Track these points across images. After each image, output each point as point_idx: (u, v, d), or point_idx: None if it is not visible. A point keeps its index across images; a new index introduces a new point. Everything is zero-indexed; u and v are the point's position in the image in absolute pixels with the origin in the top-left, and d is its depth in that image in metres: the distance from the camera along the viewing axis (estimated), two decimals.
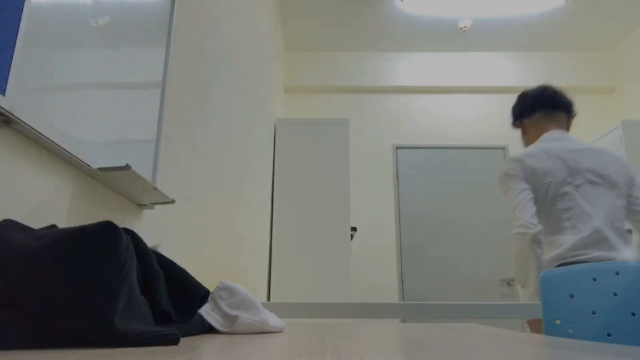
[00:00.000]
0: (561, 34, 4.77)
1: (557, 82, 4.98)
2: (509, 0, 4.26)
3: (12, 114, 0.63)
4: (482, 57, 5.08)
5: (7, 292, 0.51)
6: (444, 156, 4.89)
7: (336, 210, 3.79)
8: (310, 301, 2.96)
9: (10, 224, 0.60)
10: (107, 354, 0.44)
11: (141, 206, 1.15)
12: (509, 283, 4.52)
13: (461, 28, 4.65)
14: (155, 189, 1.02)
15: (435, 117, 5.01)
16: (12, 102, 0.63)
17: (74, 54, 0.80)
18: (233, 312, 0.81)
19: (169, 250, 1.31)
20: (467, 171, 4.83)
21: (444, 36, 4.83)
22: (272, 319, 0.85)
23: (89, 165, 0.84)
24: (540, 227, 1.77)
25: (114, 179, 0.94)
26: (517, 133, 4.94)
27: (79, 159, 0.81)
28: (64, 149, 0.76)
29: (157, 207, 1.24)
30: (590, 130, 4.92)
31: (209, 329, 0.80)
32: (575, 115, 2.00)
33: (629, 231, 2.02)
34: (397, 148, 4.91)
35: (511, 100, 5.03)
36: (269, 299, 3.63)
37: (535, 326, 2.05)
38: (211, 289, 0.84)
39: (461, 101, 5.04)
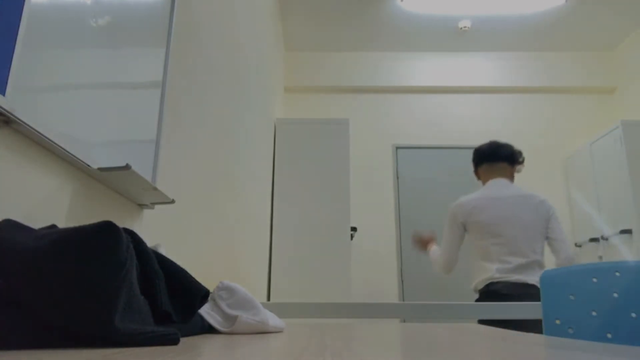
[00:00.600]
0: (561, 34, 4.77)
1: (557, 82, 4.98)
2: (509, 0, 4.26)
3: (12, 114, 0.63)
4: (482, 57, 5.08)
5: (7, 292, 0.51)
6: (444, 156, 4.89)
7: (336, 210, 3.79)
8: (310, 301, 2.96)
9: (10, 224, 0.60)
10: (107, 354, 0.44)
11: (141, 206, 1.15)
12: None
13: (461, 28, 4.65)
14: (155, 189, 1.02)
15: (435, 117, 5.01)
16: (12, 102, 0.63)
17: (74, 54, 0.80)
18: (233, 312, 0.81)
19: (169, 250, 1.31)
20: (467, 171, 4.82)
21: (444, 36, 4.83)
22: (272, 319, 0.85)
23: (89, 165, 0.84)
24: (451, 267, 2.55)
25: (114, 179, 0.94)
26: (517, 133, 4.95)
27: (79, 159, 0.81)
28: (64, 149, 0.76)
29: (157, 207, 1.24)
30: (590, 130, 4.92)
31: (209, 329, 0.80)
32: (520, 162, 2.51)
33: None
34: (397, 148, 4.91)
35: (511, 100, 5.04)
36: (269, 299, 3.63)
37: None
38: (211, 289, 0.84)
39: (461, 101, 5.04)
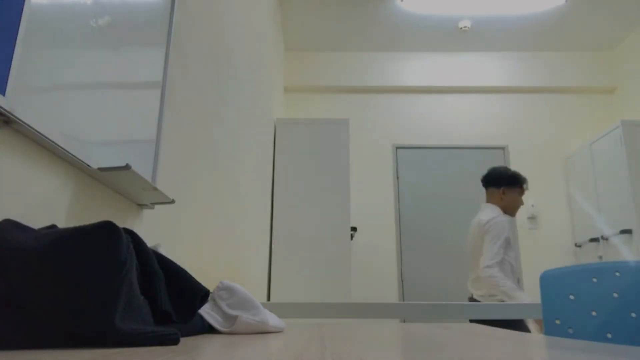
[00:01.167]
0: (561, 34, 4.77)
1: (557, 82, 4.98)
2: (509, 1, 4.26)
3: (12, 114, 0.63)
4: (482, 57, 5.08)
5: (7, 292, 0.51)
6: (444, 156, 4.89)
7: (336, 210, 3.79)
8: (310, 301, 2.96)
9: (10, 224, 0.60)
10: (107, 354, 0.44)
11: (141, 206, 1.15)
12: None
13: (461, 28, 4.65)
14: (155, 189, 1.02)
15: (435, 117, 5.01)
16: (12, 102, 0.63)
17: (74, 54, 0.80)
18: (233, 312, 0.81)
19: (169, 250, 1.31)
20: (467, 171, 4.83)
21: (444, 36, 4.83)
22: (272, 319, 0.85)
23: (89, 165, 0.84)
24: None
25: (114, 179, 0.94)
26: (517, 133, 4.95)
27: (79, 159, 0.81)
28: (64, 149, 0.76)
29: (157, 207, 1.24)
30: (590, 130, 4.92)
31: (209, 329, 0.80)
32: (508, 185, 2.72)
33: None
34: (397, 148, 4.91)
35: (511, 100, 5.04)
36: (269, 299, 3.63)
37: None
38: (211, 289, 0.84)
39: (461, 101, 5.04)
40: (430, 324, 1.16)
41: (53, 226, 0.70)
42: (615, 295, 1.17)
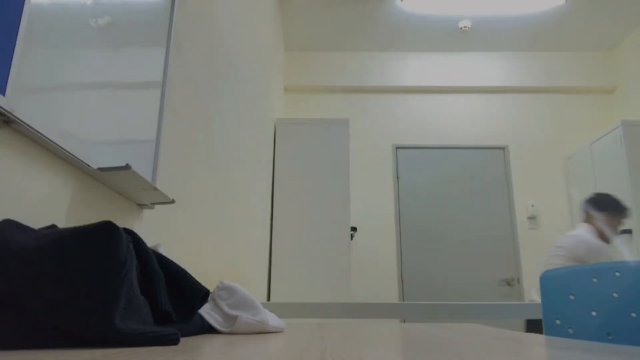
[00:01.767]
0: (561, 34, 4.77)
1: (557, 82, 4.98)
2: (509, 1, 4.26)
3: (12, 114, 0.63)
4: (482, 57, 5.08)
5: (7, 292, 0.51)
6: (444, 156, 4.89)
7: (336, 210, 3.79)
8: (310, 301, 2.96)
9: (10, 224, 0.60)
10: (107, 354, 0.44)
11: (141, 206, 1.15)
12: (509, 283, 4.52)
13: (461, 28, 4.65)
14: (155, 189, 1.02)
15: (435, 117, 5.01)
16: (12, 102, 0.63)
17: (74, 53, 0.80)
18: (233, 312, 0.81)
19: (169, 250, 1.31)
20: (467, 171, 4.83)
21: (444, 36, 4.83)
22: (272, 319, 0.85)
23: (89, 165, 0.84)
24: None
25: (114, 179, 0.94)
26: (517, 133, 4.95)
27: (79, 159, 0.81)
28: (64, 149, 0.76)
29: (157, 207, 1.24)
30: (590, 130, 4.92)
31: (209, 329, 0.80)
32: (610, 211, 2.80)
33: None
34: (397, 148, 4.91)
35: (511, 100, 5.04)
36: (269, 299, 3.63)
37: None
38: (211, 289, 0.84)
39: (461, 101, 5.04)
40: (430, 324, 1.16)
41: (53, 226, 0.70)
42: (615, 295, 1.17)
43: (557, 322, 1.24)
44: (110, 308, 0.51)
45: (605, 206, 2.80)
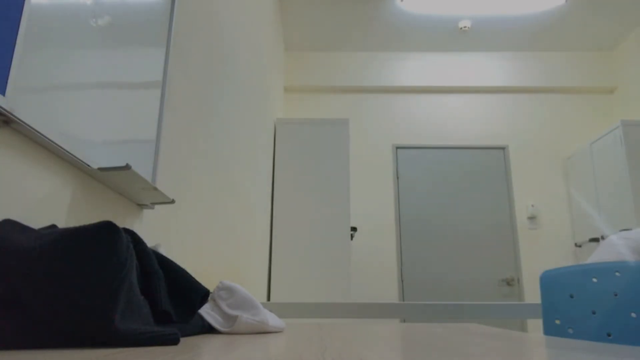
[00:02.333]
0: (561, 34, 4.77)
1: (557, 82, 4.98)
2: (509, 0, 4.26)
3: (12, 114, 0.63)
4: (482, 57, 5.08)
5: (7, 292, 0.51)
6: (444, 156, 4.89)
7: (336, 210, 3.79)
8: (310, 301, 2.96)
9: (10, 224, 0.60)
10: (107, 353, 0.44)
11: (141, 206, 1.15)
12: (509, 283, 4.52)
13: (461, 28, 4.65)
14: (155, 189, 1.02)
15: (435, 117, 5.01)
16: (12, 102, 0.63)
17: (74, 54, 0.80)
18: (233, 312, 0.81)
19: (169, 250, 1.31)
20: (467, 171, 4.83)
21: (444, 36, 4.83)
22: (272, 319, 0.85)
23: (89, 165, 0.84)
24: None
25: (114, 179, 0.94)
26: (517, 133, 4.95)
27: (79, 159, 0.81)
28: (64, 149, 0.76)
29: (157, 207, 1.24)
30: (590, 130, 4.92)
31: (209, 329, 0.80)
32: None
33: None
34: (397, 148, 4.91)
35: (511, 100, 5.04)
36: (269, 299, 3.63)
37: None
38: (211, 289, 0.84)
39: (461, 101, 5.04)
40: (430, 324, 1.16)
41: (53, 226, 0.70)
42: (615, 295, 1.17)
43: (557, 322, 1.24)
44: (110, 308, 0.51)
45: None
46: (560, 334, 1.23)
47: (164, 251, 0.86)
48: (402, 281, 4.54)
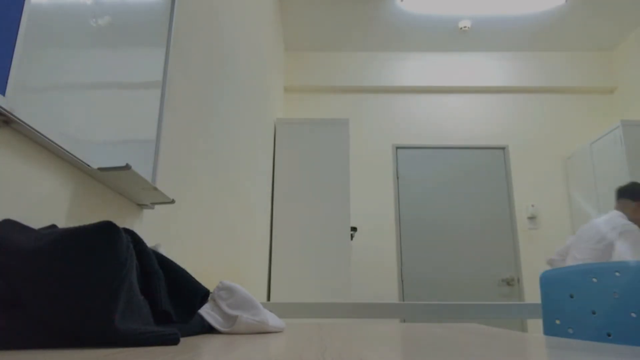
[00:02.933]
0: (561, 34, 4.77)
1: (557, 82, 4.98)
2: (509, 1, 4.26)
3: (12, 114, 0.63)
4: (482, 57, 5.08)
5: (7, 292, 0.51)
6: (444, 156, 4.89)
7: (336, 210, 3.79)
8: (310, 301, 2.96)
9: (10, 224, 0.60)
10: (107, 354, 0.44)
11: (141, 206, 1.15)
12: (508, 283, 4.52)
13: (461, 28, 4.65)
14: (155, 189, 1.02)
15: (435, 117, 5.01)
16: (12, 102, 0.63)
17: (74, 54, 0.80)
18: (233, 312, 0.81)
19: (169, 250, 1.31)
20: (467, 171, 4.83)
21: (444, 36, 4.83)
22: (272, 319, 0.85)
23: (89, 165, 0.84)
24: None
25: (114, 179, 0.94)
26: (517, 133, 4.95)
27: (79, 159, 0.81)
28: (64, 149, 0.76)
29: (157, 207, 1.24)
30: (590, 130, 4.92)
31: (209, 329, 0.80)
32: (636, 199, 2.74)
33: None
34: (397, 148, 4.91)
35: (511, 100, 5.03)
36: (269, 299, 3.63)
37: None
38: (211, 289, 0.84)
39: (461, 101, 5.04)
40: (430, 324, 1.16)
41: (53, 226, 0.70)
42: (615, 295, 1.17)
43: (557, 322, 1.24)
44: (110, 308, 0.51)
45: (637, 195, 2.74)
46: (560, 334, 1.23)
47: (164, 251, 0.86)
48: (402, 281, 4.54)
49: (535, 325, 4.25)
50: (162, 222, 1.30)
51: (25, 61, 0.66)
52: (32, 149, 0.72)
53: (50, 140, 0.72)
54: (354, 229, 4.18)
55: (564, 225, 4.68)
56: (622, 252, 2.57)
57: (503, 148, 4.90)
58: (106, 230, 0.53)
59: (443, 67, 5.06)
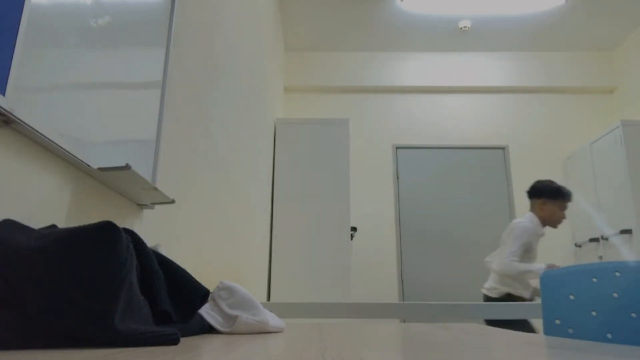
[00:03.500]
0: (561, 34, 4.77)
1: (557, 82, 4.98)
2: (509, 0, 4.26)
3: (12, 114, 0.63)
4: (482, 57, 5.08)
5: (7, 292, 0.51)
6: (444, 156, 4.89)
7: (336, 210, 3.79)
8: (310, 301, 2.96)
9: (10, 224, 0.60)
10: (107, 354, 0.44)
11: (141, 206, 1.15)
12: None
13: (461, 28, 4.65)
14: (155, 189, 1.02)
15: (435, 117, 5.01)
16: (12, 102, 0.63)
17: (74, 54, 0.80)
18: (233, 312, 0.81)
19: (169, 250, 1.31)
20: (467, 171, 4.83)
21: (444, 36, 4.83)
22: (272, 319, 0.85)
23: (89, 165, 0.84)
24: None
25: (114, 179, 0.94)
26: (517, 133, 4.95)
27: (79, 159, 0.81)
28: (64, 149, 0.76)
29: (157, 207, 1.24)
30: (590, 130, 4.92)
31: (209, 329, 0.80)
32: (544, 196, 2.80)
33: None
34: (397, 148, 4.91)
35: (511, 100, 5.03)
36: (269, 299, 3.63)
37: None
38: (211, 289, 0.84)
39: (461, 101, 5.04)
40: (430, 324, 1.16)
41: (53, 226, 0.70)
42: (615, 295, 1.17)
43: (557, 322, 1.24)
44: (110, 308, 0.51)
45: (542, 193, 2.81)
46: (560, 334, 1.23)
47: (164, 251, 0.86)
48: (402, 281, 4.54)
49: (535, 325, 4.24)
50: (162, 222, 1.30)
51: (25, 61, 0.66)
52: (32, 149, 0.72)
53: (50, 140, 0.72)
54: (354, 229, 4.17)
55: (564, 225, 4.68)
56: (503, 244, 2.75)
57: (503, 148, 4.90)
58: (106, 230, 0.53)
59: (443, 67, 5.06)
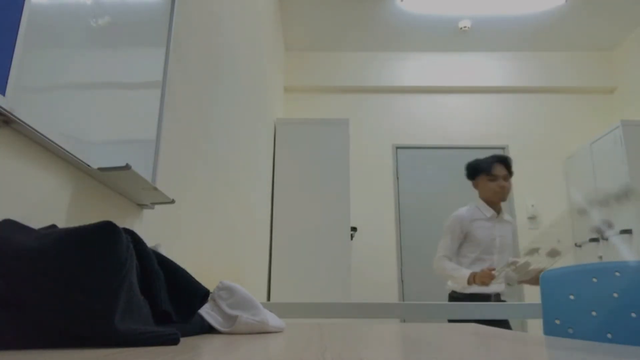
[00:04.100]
0: (561, 34, 4.77)
1: (557, 82, 4.98)
2: (509, 1, 4.26)
3: (12, 114, 0.63)
4: (482, 57, 5.08)
5: (7, 292, 0.51)
6: (444, 156, 4.89)
7: (336, 210, 3.79)
8: (310, 301, 2.96)
9: (10, 224, 0.60)
10: (107, 354, 0.44)
11: (141, 206, 1.15)
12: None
13: (461, 28, 4.65)
14: (155, 189, 1.02)
15: (435, 117, 5.01)
16: (12, 102, 0.63)
17: (74, 54, 0.80)
18: (233, 312, 0.81)
19: (169, 250, 1.31)
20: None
21: (444, 36, 4.83)
22: (272, 319, 0.85)
23: (89, 165, 0.84)
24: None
25: (114, 179, 0.94)
26: (517, 133, 4.95)
27: (79, 159, 0.81)
28: (64, 149, 0.76)
29: (157, 207, 1.24)
30: (590, 130, 4.92)
31: (209, 329, 0.80)
32: (469, 178, 2.88)
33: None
34: (397, 148, 4.91)
35: (511, 100, 5.03)
36: (269, 299, 3.63)
37: None
38: (211, 289, 0.84)
39: (461, 101, 5.04)
40: (430, 324, 1.16)
41: (53, 226, 0.70)
42: (615, 295, 1.17)
43: (557, 322, 1.24)
44: (110, 308, 0.51)
45: (468, 175, 2.79)
46: (560, 334, 1.23)
47: (164, 251, 0.86)
48: (402, 281, 4.54)
49: (536, 325, 4.24)
50: (162, 222, 1.30)
51: (25, 61, 0.66)
52: (32, 149, 0.72)
53: (50, 140, 0.72)
54: (354, 229, 4.18)
55: (563, 225, 4.68)
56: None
57: (503, 148, 4.90)
58: (106, 230, 0.53)
59: (443, 67, 5.06)
